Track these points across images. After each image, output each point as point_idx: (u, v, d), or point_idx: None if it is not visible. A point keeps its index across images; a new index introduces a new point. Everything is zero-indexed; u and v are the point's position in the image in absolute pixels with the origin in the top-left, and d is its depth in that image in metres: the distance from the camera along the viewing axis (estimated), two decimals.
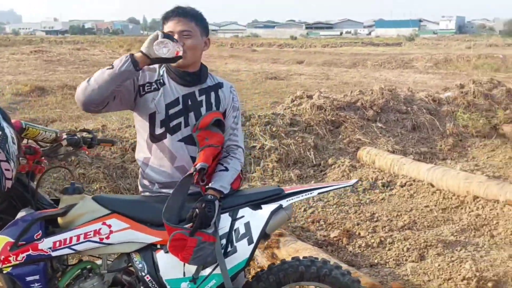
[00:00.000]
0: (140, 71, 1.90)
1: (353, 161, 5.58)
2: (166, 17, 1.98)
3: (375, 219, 4.04)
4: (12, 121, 1.85)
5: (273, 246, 2.99)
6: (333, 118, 6.27)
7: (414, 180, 4.84)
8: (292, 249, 2.91)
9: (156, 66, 2.04)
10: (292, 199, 1.98)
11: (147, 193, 2.11)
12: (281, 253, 2.95)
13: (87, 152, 2.25)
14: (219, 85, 2.11)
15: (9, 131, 1.66)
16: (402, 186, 4.78)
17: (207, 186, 1.96)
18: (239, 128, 2.15)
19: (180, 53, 1.81)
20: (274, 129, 5.81)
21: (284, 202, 1.96)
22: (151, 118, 2.00)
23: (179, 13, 1.97)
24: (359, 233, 3.73)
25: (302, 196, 2.00)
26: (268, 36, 71.72)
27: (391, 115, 6.62)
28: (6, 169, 1.62)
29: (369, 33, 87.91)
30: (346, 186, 2.15)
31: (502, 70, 16.86)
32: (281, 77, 14.72)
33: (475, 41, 38.02)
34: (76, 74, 14.37)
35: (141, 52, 1.81)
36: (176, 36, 1.91)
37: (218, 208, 1.89)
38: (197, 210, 1.83)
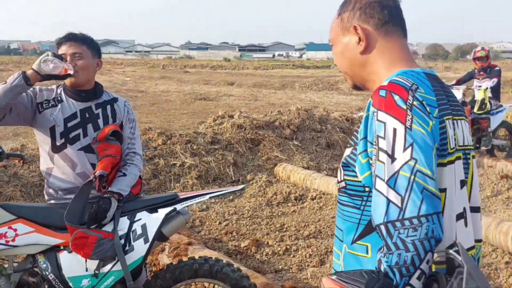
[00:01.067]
0: (38, 91, 2.17)
1: (270, 176, 5.91)
2: (60, 42, 2.22)
3: (284, 230, 4.35)
4: None
5: (181, 254, 3.17)
6: (253, 137, 6.60)
7: (324, 193, 5.24)
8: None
9: (54, 86, 2.27)
10: (186, 203, 2.22)
11: (52, 201, 2.26)
12: None
13: (18, 161, 2.40)
14: (115, 100, 2.38)
15: None
16: (312, 199, 5.15)
17: (106, 190, 2.16)
18: (137, 137, 2.40)
19: (70, 71, 2.05)
20: (195, 147, 6.03)
21: (178, 206, 2.20)
22: (52, 131, 2.20)
23: (71, 38, 2.22)
24: (268, 242, 4.01)
25: (195, 200, 2.24)
26: (201, 58, 72.26)
27: (307, 133, 7.07)
28: None
29: (301, 56, 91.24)
30: (235, 191, 2.43)
31: None
32: (211, 98, 15.04)
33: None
34: None
35: (32, 69, 2.02)
36: (68, 58, 2.16)
37: (114, 205, 2.09)
38: (94, 205, 2.04)
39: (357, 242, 1.15)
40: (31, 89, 2.16)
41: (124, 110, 2.37)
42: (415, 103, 1.05)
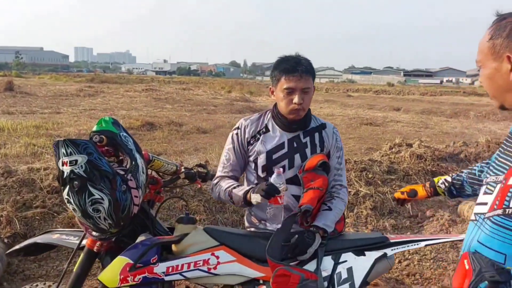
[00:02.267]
0: (246, 131, 2.21)
1: (453, 215, 5.28)
2: (289, 71, 2.08)
3: None
4: (142, 152, 2.11)
5: None
6: (434, 169, 6.03)
7: None
8: None
9: (260, 114, 2.26)
10: (397, 248, 1.97)
11: (252, 229, 2.23)
12: None
13: (199, 186, 2.45)
14: (323, 126, 2.24)
15: (140, 162, 1.89)
16: None
17: (310, 224, 2.04)
18: (343, 168, 2.23)
19: (279, 202, 1.98)
20: (370, 175, 5.73)
21: (389, 251, 1.96)
22: (255, 163, 2.17)
23: (303, 70, 2.09)
24: None
25: (408, 246, 1.99)
26: (364, 82, 71.22)
27: None
28: (135, 196, 1.84)
29: (472, 83, 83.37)
30: (456, 240, 2.09)
31: None
32: (377, 123, 14.48)
33: None
34: (181, 112, 15.46)
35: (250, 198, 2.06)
36: (298, 93, 2.07)
37: (318, 241, 1.95)
38: (296, 235, 1.91)
39: None
40: (238, 131, 2.22)
41: (333, 138, 2.23)
42: None
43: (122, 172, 1.80)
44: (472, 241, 1.36)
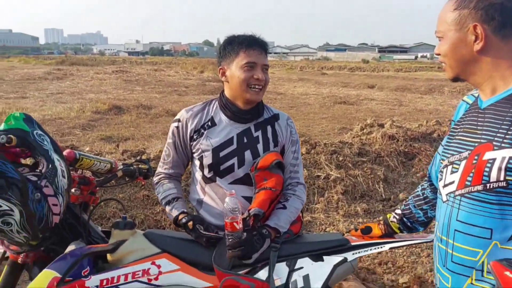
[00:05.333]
0: (189, 123, 1.93)
1: None
2: (250, 44, 1.86)
3: None
4: (66, 152, 1.83)
5: None
6: (406, 149, 5.89)
7: None
8: None
9: (206, 103, 1.98)
10: (359, 252, 1.77)
11: None
12: None
13: (142, 183, 2.18)
14: (275, 118, 1.98)
15: (59, 164, 1.61)
16: None
17: (262, 224, 1.82)
18: (300, 163, 1.98)
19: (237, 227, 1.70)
20: (340, 158, 5.55)
21: (350, 255, 1.77)
22: (200, 162, 1.91)
23: (263, 46, 1.89)
24: (432, 281, 3.37)
25: (370, 250, 1.79)
26: (339, 59, 71.21)
27: None
28: (53, 204, 1.57)
29: None
30: (423, 242, 1.90)
31: None
32: (351, 102, 14.36)
33: None
34: (152, 94, 15.03)
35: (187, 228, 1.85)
36: (259, 69, 1.84)
37: (266, 246, 1.75)
38: (245, 234, 1.69)
39: None
40: (179, 125, 1.95)
41: (287, 131, 1.96)
42: None
43: (34, 178, 1.52)
44: (450, 221, 1.37)
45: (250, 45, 1.85)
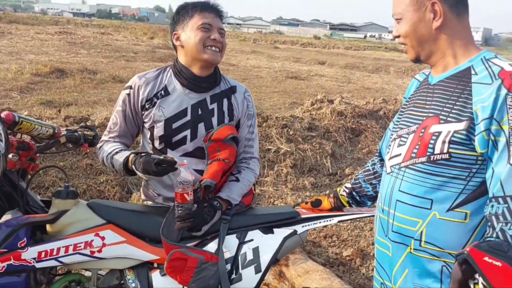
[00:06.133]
0: (143, 88, 1.81)
1: None
2: (204, 7, 1.79)
3: None
4: (4, 113, 1.68)
5: (281, 264, 2.78)
6: (354, 126, 6.02)
7: None
8: (301, 269, 2.70)
9: (160, 70, 1.88)
10: (308, 225, 1.77)
11: (149, 203, 1.92)
12: (290, 272, 2.74)
13: (87, 150, 2.05)
14: (232, 90, 1.90)
15: None
16: None
17: (214, 196, 1.77)
18: (255, 138, 1.94)
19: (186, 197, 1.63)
20: (291, 132, 5.58)
21: (299, 228, 1.76)
22: (151, 132, 1.81)
23: (218, 10, 1.82)
24: (374, 254, 3.49)
25: (319, 222, 1.80)
26: (291, 34, 71.25)
27: None
28: None
29: (394, 39, 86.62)
30: (370, 216, 1.93)
31: None
32: (302, 77, 14.44)
33: (501, 54, 37.09)
34: (98, 58, 14.33)
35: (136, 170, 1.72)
36: (215, 31, 1.78)
37: (216, 218, 1.71)
38: (195, 205, 1.64)
39: (455, 209, 1.29)
40: (131, 92, 1.82)
41: (243, 104, 1.90)
42: None
43: None
44: (392, 192, 1.40)
45: (204, 8, 1.79)
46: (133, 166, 1.69)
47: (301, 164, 5.24)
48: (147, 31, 29.39)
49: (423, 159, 1.32)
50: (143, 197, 1.96)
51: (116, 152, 1.77)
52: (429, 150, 1.30)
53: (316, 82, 13.63)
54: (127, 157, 1.73)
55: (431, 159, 1.30)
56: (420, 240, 1.33)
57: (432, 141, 1.30)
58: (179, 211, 1.62)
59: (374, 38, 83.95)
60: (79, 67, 11.32)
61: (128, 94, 1.82)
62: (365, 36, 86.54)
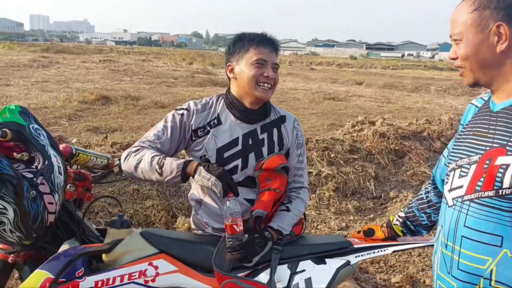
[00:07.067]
0: (195, 113, 1.83)
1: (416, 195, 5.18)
2: (261, 41, 1.81)
3: None
4: (62, 146, 1.75)
5: None
6: (397, 148, 5.90)
7: None
8: None
9: (214, 99, 1.90)
10: (362, 255, 1.74)
11: (199, 232, 1.93)
12: None
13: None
14: (282, 119, 1.91)
15: (55, 160, 1.53)
16: None
17: (265, 226, 1.77)
18: (304, 167, 1.94)
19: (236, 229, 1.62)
20: (332, 155, 5.53)
21: (352, 258, 1.73)
22: (201, 160, 1.83)
23: (274, 44, 1.84)
24: (424, 281, 3.37)
25: (373, 253, 1.76)
26: (327, 55, 71.31)
27: None
28: (49, 203, 1.50)
29: (433, 57, 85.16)
30: (426, 245, 1.87)
31: None
32: (340, 98, 14.36)
33: None
34: (140, 85, 14.81)
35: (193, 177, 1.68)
36: (269, 67, 1.79)
37: (267, 249, 1.70)
38: (246, 236, 1.63)
39: None
40: (185, 113, 1.83)
41: (293, 134, 1.91)
42: None
43: (30, 175, 1.44)
44: (457, 227, 1.32)
45: (261, 42, 1.80)
46: (201, 168, 1.64)
47: (343, 187, 5.17)
48: (185, 57, 30.22)
49: (490, 193, 1.24)
50: (193, 226, 1.97)
51: (165, 157, 1.72)
52: (497, 183, 1.23)
53: (354, 103, 13.52)
54: (189, 160, 1.71)
55: (499, 193, 1.23)
56: (490, 279, 1.26)
57: (499, 174, 1.22)
58: (230, 242, 1.63)
59: (412, 56, 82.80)
60: (123, 94, 11.72)
61: (182, 115, 1.83)
62: (403, 55, 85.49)
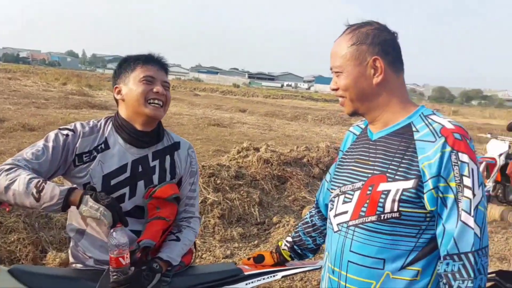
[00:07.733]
0: (80, 137, 1.64)
1: (297, 220, 5.33)
2: (148, 60, 1.70)
3: None
4: None
5: None
6: (280, 173, 6.07)
7: None
8: None
9: (102, 122, 1.73)
10: (252, 282, 1.70)
11: (79, 265, 1.70)
12: None
13: (7, 209, 1.80)
14: (176, 146, 1.81)
15: None
16: None
17: (153, 257, 1.62)
18: (196, 196, 1.85)
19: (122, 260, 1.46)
20: (218, 181, 5.48)
21: (243, 286, 1.68)
22: (85, 188, 1.62)
23: (162, 64, 1.74)
24: None
25: (264, 279, 1.72)
26: (211, 81, 72.48)
27: None
28: None
29: (309, 88, 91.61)
30: (313, 269, 1.89)
31: None
32: (224, 124, 14.56)
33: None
34: (4, 105, 13.39)
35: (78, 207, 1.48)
36: (158, 84, 1.67)
37: (155, 281, 1.55)
38: (132, 269, 1.48)
39: (407, 267, 1.27)
40: (71, 134, 1.63)
41: (187, 161, 1.80)
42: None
43: None
44: (343, 253, 1.35)
45: (147, 61, 1.71)
46: (87, 197, 1.46)
47: (229, 214, 5.12)
48: (59, 77, 28.29)
49: (373, 218, 1.29)
50: (71, 259, 1.74)
51: (45, 181, 1.50)
52: (379, 209, 1.28)
53: (238, 130, 13.79)
54: (74, 188, 1.52)
55: (381, 218, 1.28)
56: None
57: (381, 200, 1.27)
58: (114, 276, 1.45)
59: (290, 87, 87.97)
60: None
61: (67, 135, 1.63)
62: (282, 85, 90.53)
